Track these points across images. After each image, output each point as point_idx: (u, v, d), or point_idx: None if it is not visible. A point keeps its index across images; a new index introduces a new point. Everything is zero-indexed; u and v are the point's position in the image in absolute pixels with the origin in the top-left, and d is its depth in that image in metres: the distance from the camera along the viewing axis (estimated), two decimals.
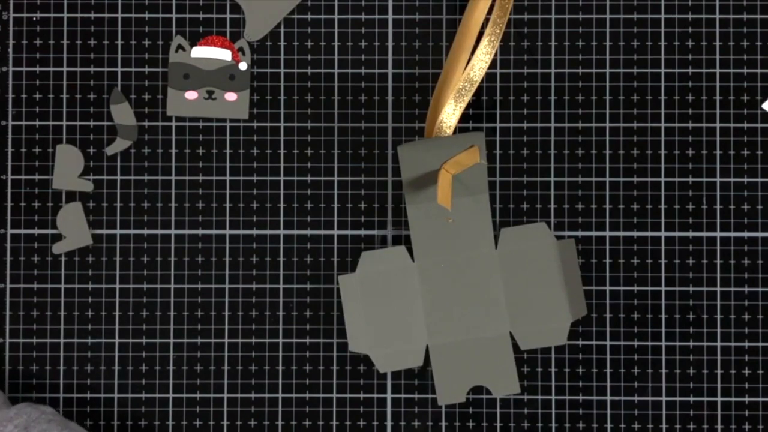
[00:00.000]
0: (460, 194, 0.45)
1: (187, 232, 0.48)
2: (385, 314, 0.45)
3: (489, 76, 0.48)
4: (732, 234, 0.48)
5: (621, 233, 0.48)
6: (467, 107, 0.48)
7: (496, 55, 0.48)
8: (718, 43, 0.48)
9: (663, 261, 0.48)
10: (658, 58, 0.48)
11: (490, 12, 0.46)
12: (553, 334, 0.46)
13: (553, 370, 0.48)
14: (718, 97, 0.48)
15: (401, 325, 0.45)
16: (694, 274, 0.48)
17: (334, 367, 0.48)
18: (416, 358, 0.45)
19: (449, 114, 0.45)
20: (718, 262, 0.48)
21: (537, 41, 0.48)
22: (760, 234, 0.48)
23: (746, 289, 0.48)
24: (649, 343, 0.48)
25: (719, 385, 0.48)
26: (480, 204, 0.45)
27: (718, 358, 0.48)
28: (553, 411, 0.48)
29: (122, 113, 0.48)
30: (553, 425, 0.48)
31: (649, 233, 0.48)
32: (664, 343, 0.48)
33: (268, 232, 0.48)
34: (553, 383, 0.48)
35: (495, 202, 0.48)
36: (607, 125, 0.48)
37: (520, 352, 0.47)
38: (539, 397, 0.48)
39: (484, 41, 0.45)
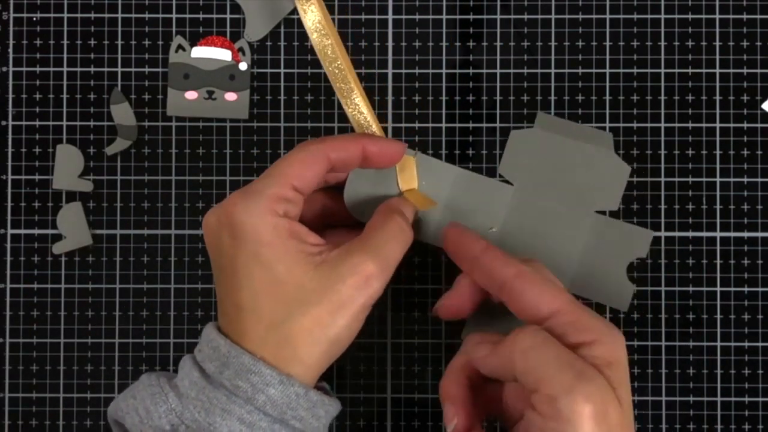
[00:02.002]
0: (444, 193, 0.45)
1: (187, 232, 0.48)
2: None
3: (489, 76, 0.48)
4: (732, 234, 0.48)
5: None
6: (467, 107, 0.48)
7: (495, 55, 0.48)
8: (718, 43, 0.48)
9: (663, 261, 0.48)
10: (658, 58, 0.48)
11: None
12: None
13: None
14: (718, 97, 0.48)
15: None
16: (694, 274, 0.48)
17: (334, 367, 0.48)
18: None
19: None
20: (718, 262, 0.48)
21: (537, 41, 0.48)
22: (760, 234, 0.48)
23: (746, 289, 0.48)
24: (649, 343, 0.48)
25: (719, 385, 0.48)
26: (460, 179, 0.46)
27: (718, 358, 0.48)
28: None
29: (122, 113, 0.48)
30: None
31: None
32: (664, 343, 0.48)
33: None
34: None
35: None
36: (607, 125, 0.48)
37: None
38: None
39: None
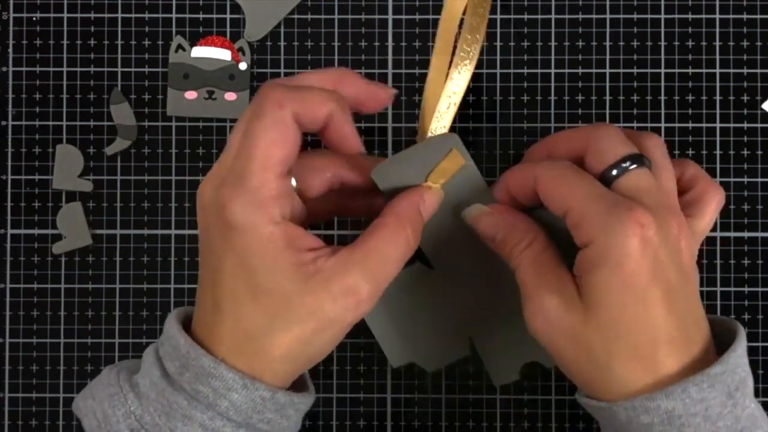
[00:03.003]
0: (462, 203, 0.41)
1: (187, 232, 0.48)
2: (416, 322, 0.43)
3: (489, 76, 0.48)
4: (732, 234, 0.48)
5: None
6: (467, 107, 0.48)
7: (495, 55, 0.48)
8: (718, 43, 0.48)
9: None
10: (658, 58, 0.48)
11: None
12: (500, 374, 0.44)
13: (553, 370, 0.48)
14: (718, 97, 0.48)
15: (437, 325, 0.43)
16: None
17: (334, 367, 0.48)
18: (462, 350, 0.43)
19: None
20: (718, 262, 0.48)
21: (537, 41, 0.48)
22: (760, 234, 0.48)
23: (746, 289, 0.48)
24: None
25: None
26: (486, 201, 0.42)
27: None
28: (553, 411, 0.48)
29: (122, 113, 0.48)
30: (553, 425, 0.48)
31: None
32: None
33: None
34: (553, 383, 0.48)
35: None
36: (609, 124, 0.48)
37: None
38: (539, 397, 0.48)
39: (457, 64, 0.41)
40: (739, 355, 0.35)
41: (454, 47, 0.42)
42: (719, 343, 0.36)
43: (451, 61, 0.41)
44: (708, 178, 0.39)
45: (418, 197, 0.39)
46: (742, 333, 0.36)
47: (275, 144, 0.35)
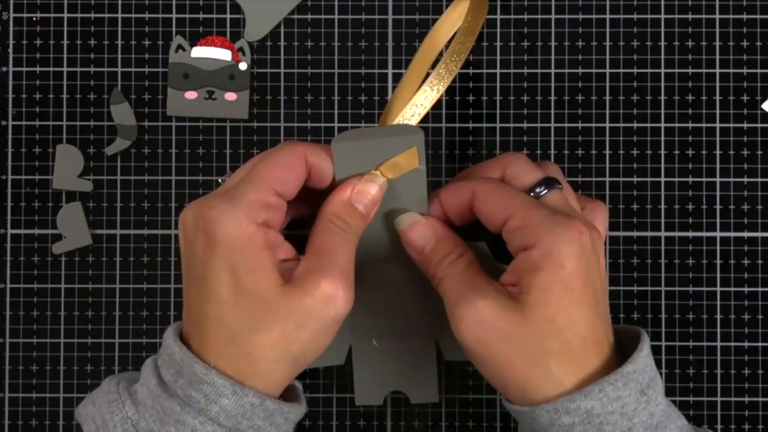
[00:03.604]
0: (398, 204, 0.40)
1: None
2: None
3: (489, 76, 0.48)
4: (732, 234, 0.48)
5: (621, 233, 0.48)
6: (467, 107, 0.48)
7: (495, 55, 0.48)
8: (718, 43, 0.48)
9: (663, 261, 0.48)
10: (658, 58, 0.48)
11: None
12: None
13: None
14: (718, 97, 0.48)
15: None
16: (694, 274, 0.48)
17: (334, 367, 0.48)
18: (338, 357, 0.43)
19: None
20: (718, 262, 0.48)
21: (537, 41, 0.48)
22: (760, 234, 0.48)
23: (746, 289, 0.48)
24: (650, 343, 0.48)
25: (719, 385, 0.48)
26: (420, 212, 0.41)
27: (718, 358, 0.48)
28: None
29: (122, 113, 0.48)
30: None
31: (649, 233, 0.48)
32: (663, 343, 0.48)
33: None
34: None
35: None
36: (607, 125, 0.48)
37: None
38: None
39: (431, 81, 0.42)
40: (645, 354, 0.37)
41: (436, 61, 0.43)
42: (624, 350, 0.38)
43: (427, 74, 0.42)
44: (586, 197, 0.43)
45: (348, 193, 0.39)
46: (645, 336, 0.38)
47: (282, 164, 0.37)
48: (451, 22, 0.46)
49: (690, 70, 0.48)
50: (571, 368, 0.36)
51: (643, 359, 0.36)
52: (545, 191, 0.39)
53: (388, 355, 0.44)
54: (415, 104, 0.42)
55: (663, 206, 0.48)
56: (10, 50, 0.48)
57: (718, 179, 0.48)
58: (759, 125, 0.48)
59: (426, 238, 0.40)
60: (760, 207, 0.48)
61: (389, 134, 0.40)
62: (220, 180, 0.45)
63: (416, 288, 0.43)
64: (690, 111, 0.48)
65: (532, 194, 0.39)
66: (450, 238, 0.40)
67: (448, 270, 0.39)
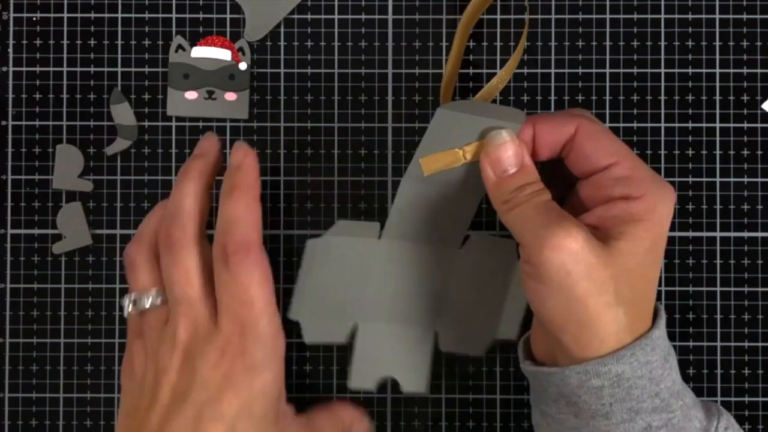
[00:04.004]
0: (456, 187, 0.41)
1: None
2: (330, 285, 0.44)
3: (489, 76, 0.48)
4: (732, 234, 0.48)
5: None
6: None
7: (495, 55, 0.48)
8: (718, 43, 0.48)
9: (663, 261, 0.48)
10: (658, 58, 0.48)
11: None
12: (472, 344, 0.45)
13: None
14: (718, 97, 0.48)
15: (340, 298, 0.44)
16: (694, 274, 0.48)
17: (334, 367, 0.48)
18: (341, 335, 0.44)
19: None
20: (718, 262, 0.48)
21: (537, 41, 0.48)
22: (760, 234, 0.48)
23: (746, 289, 0.48)
24: None
25: (719, 385, 0.48)
26: (468, 204, 0.43)
27: (718, 358, 0.48)
28: None
29: (122, 113, 0.48)
30: None
31: None
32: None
33: (268, 232, 0.48)
34: None
35: None
36: (607, 125, 0.48)
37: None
38: None
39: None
40: (664, 322, 0.38)
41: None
42: None
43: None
44: None
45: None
46: (659, 305, 0.39)
47: (263, 284, 0.40)
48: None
49: (690, 70, 0.48)
50: (634, 320, 0.36)
51: (663, 326, 0.38)
52: None
53: (386, 340, 0.44)
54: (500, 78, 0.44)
55: None
56: (10, 50, 0.48)
57: (718, 179, 0.48)
58: (759, 125, 0.48)
59: (512, 162, 0.39)
60: (760, 207, 0.48)
61: (496, 115, 0.39)
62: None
63: (432, 278, 0.43)
64: (690, 111, 0.48)
65: None
66: (533, 170, 0.39)
67: (530, 197, 0.38)
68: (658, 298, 0.48)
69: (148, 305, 0.41)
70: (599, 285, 0.36)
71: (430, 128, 0.39)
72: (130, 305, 0.41)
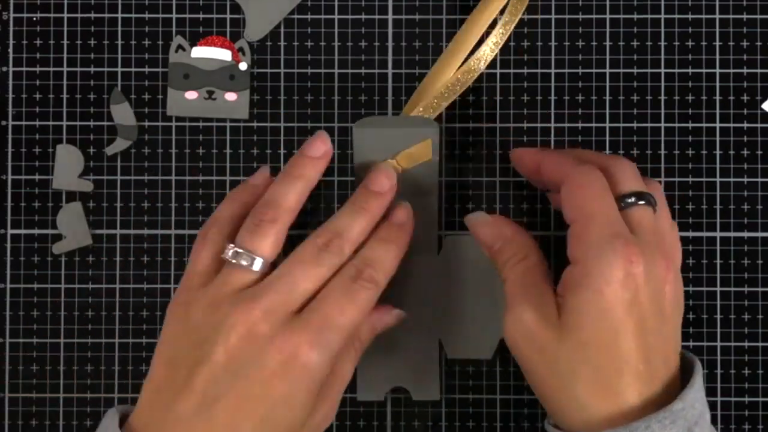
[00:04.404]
0: (408, 194, 0.43)
1: (187, 232, 0.48)
2: None
3: (489, 76, 0.48)
4: (732, 234, 0.48)
5: None
6: (467, 107, 0.48)
7: (495, 55, 0.48)
8: (718, 43, 0.48)
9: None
10: (658, 58, 0.48)
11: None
12: (480, 348, 0.45)
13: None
14: (718, 97, 0.48)
15: None
16: (694, 274, 0.48)
17: None
18: None
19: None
20: (718, 262, 0.48)
21: (537, 41, 0.48)
22: (760, 234, 0.48)
23: (746, 289, 0.48)
24: None
25: (719, 385, 0.48)
26: (426, 206, 0.44)
27: (718, 358, 0.48)
28: None
29: (122, 113, 0.48)
30: None
31: None
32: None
33: None
34: None
35: (495, 203, 0.48)
36: (607, 125, 0.48)
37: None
38: None
39: (498, 28, 0.43)
40: (696, 389, 0.36)
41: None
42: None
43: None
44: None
45: (375, 318, 0.42)
46: (698, 368, 0.37)
47: (363, 314, 0.38)
48: (488, 13, 0.46)
49: (690, 70, 0.48)
50: (599, 398, 0.35)
51: (693, 394, 0.35)
52: (634, 202, 0.38)
53: (392, 351, 0.44)
54: (439, 95, 0.44)
55: None
56: (10, 50, 0.48)
57: (718, 179, 0.48)
58: (759, 125, 0.48)
59: (493, 238, 0.40)
60: (760, 207, 0.48)
61: (408, 125, 0.43)
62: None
63: (420, 286, 0.43)
64: (690, 111, 0.48)
65: (622, 203, 0.38)
66: (515, 238, 0.40)
67: (509, 272, 0.39)
68: None
69: (251, 264, 0.39)
70: (553, 365, 0.35)
71: (354, 146, 0.43)
72: (231, 252, 0.39)
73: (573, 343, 0.35)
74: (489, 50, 0.44)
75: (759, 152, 0.48)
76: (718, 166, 0.48)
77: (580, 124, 0.48)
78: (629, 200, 0.38)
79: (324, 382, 0.38)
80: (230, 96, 0.48)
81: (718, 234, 0.48)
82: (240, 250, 0.39)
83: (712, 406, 0.48)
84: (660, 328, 0.36)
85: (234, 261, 0.39)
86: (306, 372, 0.36)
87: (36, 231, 0.48)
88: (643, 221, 0.38)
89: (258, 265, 0.39)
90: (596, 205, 0.37)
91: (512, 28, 0.44)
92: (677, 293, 0.38)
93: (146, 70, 0.48)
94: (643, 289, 0.35)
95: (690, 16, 0.48)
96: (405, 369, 0.45)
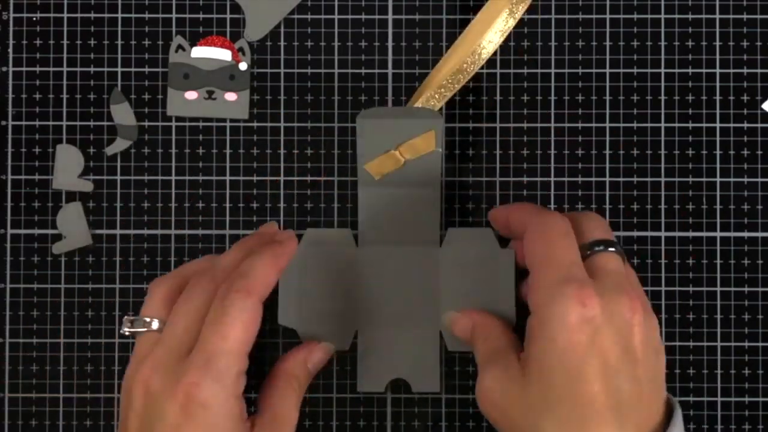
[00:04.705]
0: (411, 185, 0.43)
1: (187, 232, 0.48)
2: (320, 293, 0.44)
3: (489, 76, 0.48)
4: (732, 234, 0.48)
5: (621, 233, 0.48)
6: (467, 107, 0.48)
7: (496, 55, 0.48)
8: (718, 43, 0.48)
9: (663, 261, 0.48)
10: (658, 58, 0.48)
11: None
12: None
13: None
14: (718, 97, 0.48)
15: (334, 306, 0.44)
16: (694, 274, 0.48)
17: (334, 367, 0.48)
18: (343, 342, 0.44)
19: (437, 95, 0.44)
20: (718, 262, 0.48)
21: (537, 41, 0.48)
22: (760, 234, 0.48)
23: (746, 289, 0.48)
24: None
25: (719, 385, 0.48)
26: (430, 198, 0.44)
27: (718, 358, 0.48)
28: None
29: (122, 113, 0.48)
30: None
31: (649, 233, 0.48)
32: (664, 343, 0.48)
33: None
34: None
35: (495, 203, 0.48)
36: (607, 125, 0.48)
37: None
38: None
39: (503, 14, 0.42)
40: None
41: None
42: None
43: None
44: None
45: (305, 354, 0.42)
46: (678, 411, 0.36)
47: (249, 326, 0.38)
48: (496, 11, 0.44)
49: (690, 70, 0.48)
50: None
51: None
52: (603, 249, 0.38)
53: (393, 342, 0.44)
54: (442, 86, 0.43)
55: (663, 206, 0.48)
56: (10, 50, 0.48)
57: (718, 179, 0.48)
58: (759, 125, 0.48)
59: (465, 329, 0.42)
60: (760, 207, 0.48)
61: (411, 116, 0.43)
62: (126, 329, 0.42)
63: (422, 278, 0.44)
64: (690, 111, 0.48)
65: (588, 251, 0.38)
66: (485, 324, 0.42)
67: (480, 347, 0.40)
68: (658, 299, 0.48)
69: (149, 327, 0.41)
70: (521, 417, 0.36)
71: (358, 137, 0.43)
72: (128, 324, 0.41)
73: (535, 391, 0.35)
74: (495, 37, 0.43)
75: (759, 152, 0.48)
76: (718, 166, 0.48)
77: (580, 124, 0.48)
78: (597, 248, 0.38)
79: (242, 417, 0.38)
80: (230, 96, 0.48)
81: (718, 234, 0.48)
82: (133, 318, 0.41)
83: (712, 406, 0.48)
84: (632, 371, 0.35)
85: (134, 330, 0.41)
86: (207, 409, 0.36)
87: (36, 231, 0.48)
88: (609, 265, 0.37)
89: (155, 324, 0.41)
90: (553, 250, 0.37)
91: (521, 13, 0.43)
92: (649, 334, 0.37)
93: (146, 70, 0.48)
94: (603, 332, 0.35)
95: (690, 16, 0.48)
96: (405, 360, 0.45)
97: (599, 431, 0.34)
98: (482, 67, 0.48)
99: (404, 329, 0.44)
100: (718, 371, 0.48)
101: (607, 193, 0.48)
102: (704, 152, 0.48)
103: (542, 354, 0.35)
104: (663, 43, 0.48)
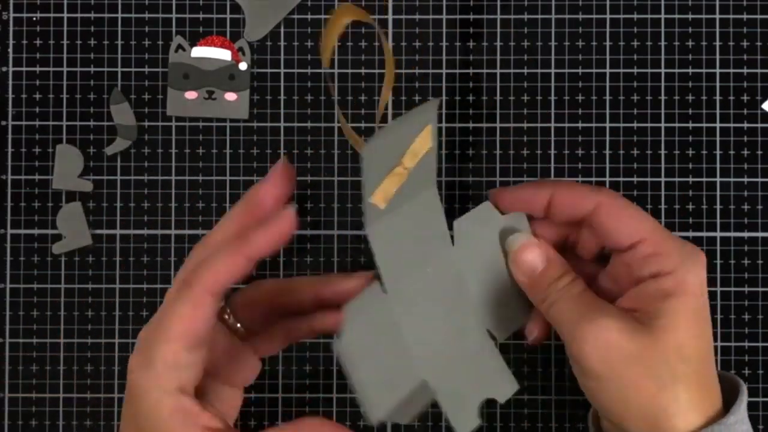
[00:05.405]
0: (413, 196, 0.39)
1: (187, 232, 0.48)
2: (385, 367, 0.39)
3: (489, 76, 0.48)
4: (732, 234, 0.48)
5: None
6: (467, 107, 0.48)
7: (495, 55, 0.48)
8: (718, 43, 0.48)
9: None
10: (658, 58, 0.48)
11: None
12: (519, 312, 0.41)
13: (553, 370, 0.48)
14: (718, 97, 0.48)
15: (399, 370, 0.40)
16: None
17: (334, 367, 0.48)
18: (422, 407, 0.41)
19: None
20: (718, 262, 0.48)
21: (537, 41, 0.48)
22: (760, 234, 0.48)
23: (746, 289, 0.48)
24: None
25: None
26: (428, 202, 0.40)
27: (719, 358, 0.48)
28: (553, 411, 0.48)
29: (122, 113, 0.48)
30: (553, 425, 0.48)
31: None
32: None
33: None
34: (553, 383, 0.48)
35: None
36: (607, 125, 0.48)
37: (519, 351, 0.47)
38: (539, 397, 0.48)
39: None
40: (744, 408, 0.37)
41: None
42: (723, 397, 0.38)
43: None
44: None
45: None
46: (743, 388, 0.38)
47: (183, 320, 0.35)
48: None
49: (690, 70, 0.48)
50: (697, 397, 0.36)
51: (742, 411, 0.37)
52: None
53: (460, 369, 0.41)
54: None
55: (663, 206, 0.48)
56: (10, 50, 0.48)
57: (718, 179, 0.48)
58: (759, 125, 0.48)
59: (538, 260, 0.39)
60: (760, 207, 0.48)
61: (403, 120, 0.38)
62: None
63: (452, 286, 0.40)
64: (690, 111, 0.48)
65: None
66: (560, 261, 0.39)
67: (563, 292, 0.38)
68: None
69: None
70: (646, 369, 0.35)
71: (364, 171, 0.36)
72: None
73: (669, 345, 0.36)
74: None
75: (759, 152, 0.48)
76: (718, 166, 0.48)
77: (580, 124, 0.48)
78: None
79: (183, 413, 0.35)
80: (230, 96, 0.48)
81: (718, 234, 0.48)
82: None
83: None
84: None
85: None
86: (137, 396, 0.35)
87: (36, 231, 0.48)
88: None
89: None
90: (649, 220, 0.38)
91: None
92: None
93: (146, 70, 0.48)
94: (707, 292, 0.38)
95: (690, 16, 0.48)
96: (479, 381, 0.41)
97: (716, 388, 0.37)
98: (482, 67, 0.48)
99: (461, 349, 0.41)
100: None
101: None
102: (704, 152, 0.48)
103: (683, 308, 0.36)
104: (663, 43, 0.48)
